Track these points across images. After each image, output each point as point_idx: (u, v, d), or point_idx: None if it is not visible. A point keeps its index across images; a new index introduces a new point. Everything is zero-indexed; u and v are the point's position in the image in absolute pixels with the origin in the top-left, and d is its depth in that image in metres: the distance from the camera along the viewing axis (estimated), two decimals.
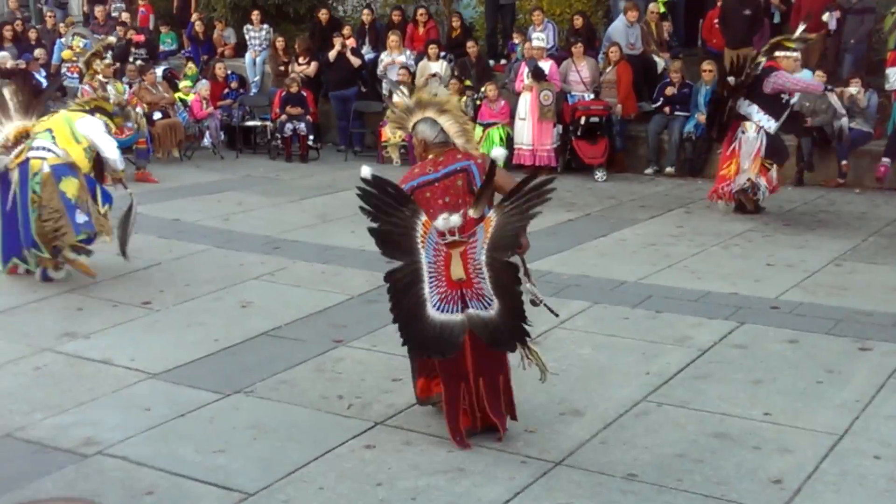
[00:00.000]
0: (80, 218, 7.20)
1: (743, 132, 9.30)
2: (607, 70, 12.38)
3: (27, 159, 7.24)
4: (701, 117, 11.88)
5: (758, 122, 9.24)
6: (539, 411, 5.06)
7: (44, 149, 7.25)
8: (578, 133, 11.97)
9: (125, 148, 9.79)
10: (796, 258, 8.05)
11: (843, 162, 11.06)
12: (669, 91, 12.10)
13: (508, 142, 12.40)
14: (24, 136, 7.56)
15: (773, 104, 9.27)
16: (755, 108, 9.28)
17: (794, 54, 9.39)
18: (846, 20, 12.19)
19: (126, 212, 7.65)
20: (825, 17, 12.14)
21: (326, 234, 9.12)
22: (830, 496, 4.15)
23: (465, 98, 12.75)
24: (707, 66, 12.05)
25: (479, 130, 12.45)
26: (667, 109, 12.09)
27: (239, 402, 5.25)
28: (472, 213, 4.71)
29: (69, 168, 7.26)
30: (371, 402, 5.21)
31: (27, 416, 5.05)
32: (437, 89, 5.02)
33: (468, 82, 12.90)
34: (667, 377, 5.50)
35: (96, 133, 7.48)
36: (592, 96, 12.29)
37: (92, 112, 7.72)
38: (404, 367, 5.65)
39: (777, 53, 9.27)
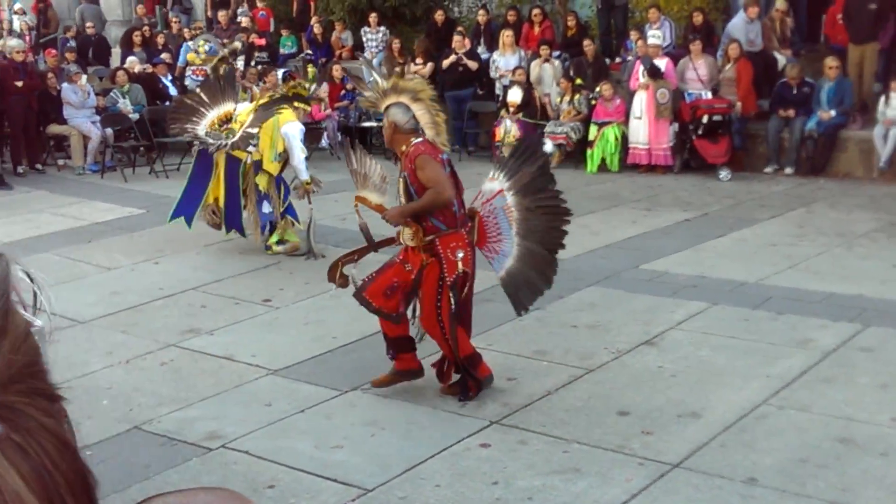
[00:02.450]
0: (266, 208, 8.22)
1: None
2: (726, 67, 12.11)
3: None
4: (823, 115, 11.53)
5: None
6: (656, 413, 5.00)
7: (253, 142, 8.10)
8: (699, 132, 11.74)
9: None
10: None
11: None
12: (784, 113, 11.73)
13: (623, 141, 12.28)
14: (226, 120, 8.41)
15: None
16: None
17: None
18: None
19: (308, 223, 8.34)
20: None
21: None
22: None
23: (578, 96, 12.70)
24: (831, 62, 11.67)
25: (594, 129, 12.38)
26: (791, 112, 11.73)
27: (356, 399, 5.35)
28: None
29: (261, 166, 8.18)
30: (486, 401, 5.24)
31: (154, 410, 5.26)
32: (414, 78, 5.22)
33: (579, 80, 12.81)
34: (788, 380, 5.36)
35: (293, 140, 8.09)
36: (710, 94, 12.05)
37: (291, 98, 8.27)
38: (519, 367, 5.69)
39: None
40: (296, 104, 8.27)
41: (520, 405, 5.16)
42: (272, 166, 8.15)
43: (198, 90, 9.15)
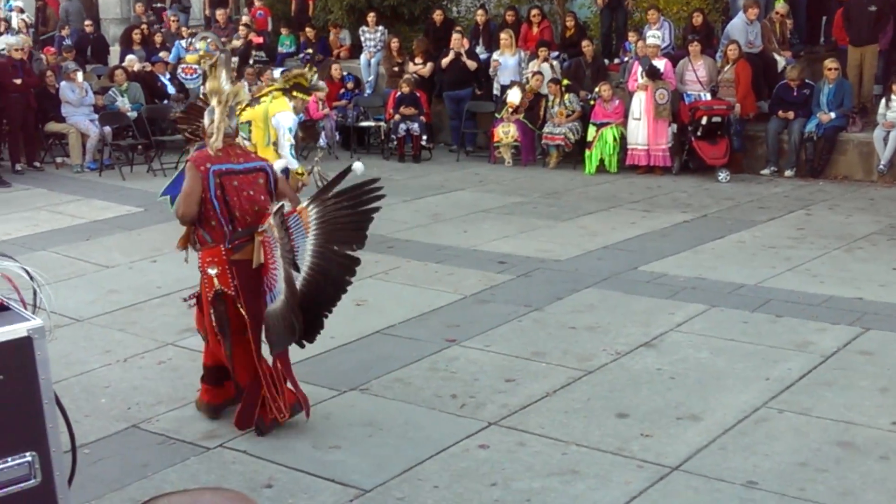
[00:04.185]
0: None
1: None
2: (725, 69, 12.11)
3: None
4: (823, 117, 11.53)
5: None
6: (655, 415, 4.99)
7: (242, 137, 7.82)
8: (699, 133, 11.73)
9: None
10: None
11: None
12: (783, 115, 11.73)
13: (622, 142, 12.27)
14: None
15: None
16: None
17: None
18: None
19: None
20: None
21: (439, 233, 9.19)
22: None
23: (567, 97, 12.68)
24: (830, 64, 11.68)
25: (592, 130, 12.37)
26: (790, 114, 11.73)
27: (354, 400, 5.34)
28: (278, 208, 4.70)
29: None
30: (485, 402, 5.22)
31: (152, 409, 5.24)
32: (225, 81, 4.98)
33: (566, 82, 12.80)
34: (788, 383, 5.35)
35: (282, 128, 7.92)
36: (709, 96, 12.05)
37: (291, 89, 8.08)
38: (518, 368, 5.68)
39: None
40: (295, 94, 8.18)
41: (518, 406, 5.15)
42: (267, 152, 7.97)
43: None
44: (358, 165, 5.25)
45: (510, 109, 12.87)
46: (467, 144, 13.93)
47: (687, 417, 4.96)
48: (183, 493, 1.52)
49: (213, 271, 4.82)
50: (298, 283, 4.73)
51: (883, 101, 11.36)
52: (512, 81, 13.22)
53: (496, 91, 13.71)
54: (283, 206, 4.71)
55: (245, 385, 4.93)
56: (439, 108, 14.37)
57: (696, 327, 6.34)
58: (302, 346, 5.01)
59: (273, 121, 7.88)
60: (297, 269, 4.71)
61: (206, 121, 5.00)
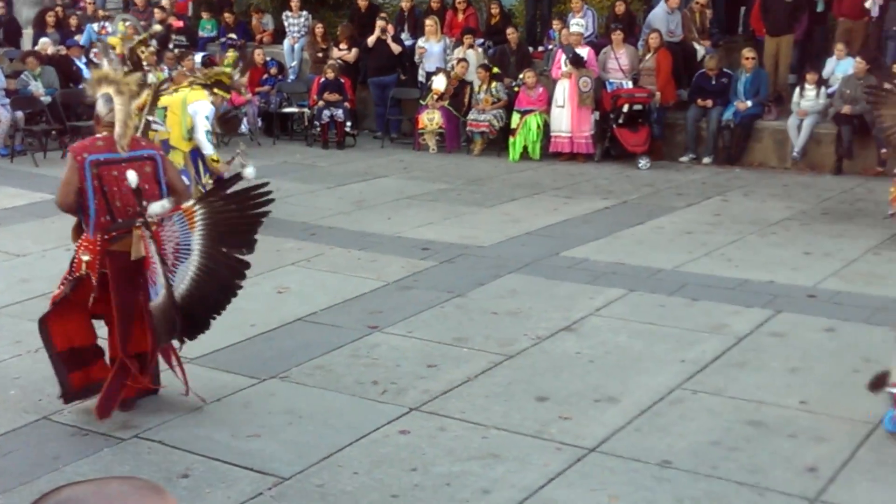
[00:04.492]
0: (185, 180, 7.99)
1: None
2: (647, 57, 12.27)
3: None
4: (740, 105, 11.77)
5: None
6: (574, 398, 5.05)
7: (156, 122, 7.70)
8: (620, 121, 11.88)
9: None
10: (834, 247, 7.96)
11: (883, 150, 10.88)
12: (702, 103, 11.96)
13: (545, 129, 12.36)
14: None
15: None
16: None
17: None
18: (889, 7, 11.98)
19: None
20: (868, 3, 11.95)
21: (363, 220, 9.16)
22: (866, 484, 4.11)
23: (494, 84, 12.73)
24: (748, 53, 11.93)
25: (516, 117, 12.44)
26: (708, 102, 11.95)
27: (274, 388, 5.29)
28: (166, 204, 4.67)
29: (171, 144, 7.87)
30: (406, 388, 5.23)
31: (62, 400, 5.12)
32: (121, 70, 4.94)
33: (496, 70, 12.86)
34: (702, 365, 5.47)
35: (198, 116, 7.92)
36: (630, 84, 12.21)
37: (212, 86, 8.09)
38: (439, 354, 5.70)
39: None
40: (216, 91, 8.16)
41: (440, 392, 5.17)
42: (183, 144, 8.02)
43: None
44: (249, 171, 5.21)
45: (435, 96, 12.87)
46: (392, 131, 13.89)
47: (605, 400, 5.03)
48: (89, 483, 1.48)
49: (85, 257, 4.84)
50: (186, 282, 4.70)
51: (797, 90, 11.65)
52: (437, 68, 13.22)
53: (421, 78, 13.69)
54: (154, 205, 4.65)
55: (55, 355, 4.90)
56: (364, 95, 14.29)
57: (615, 311, 6.43)
58: (182, 343, 5.00)
59: (189, 108, 7.89)
60: (174, 268, 4.69)
61: (100, 109, 4.90)
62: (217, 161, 8.09)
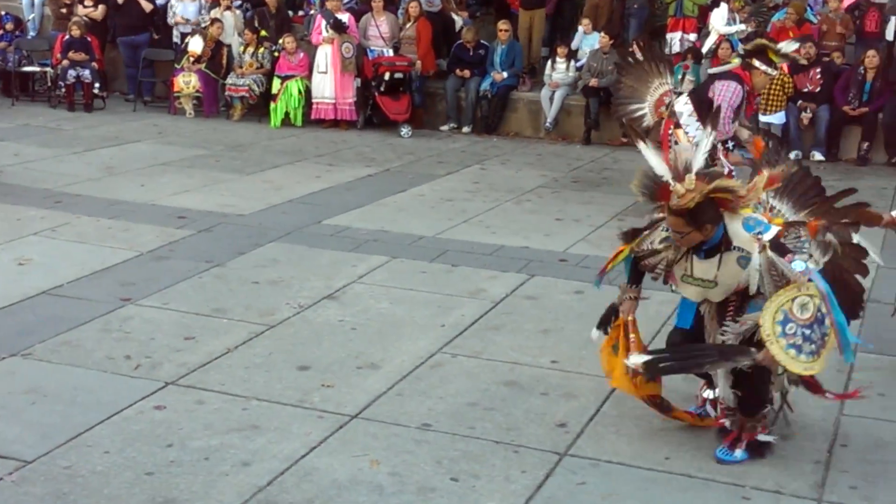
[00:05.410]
0: None
1: (675, 142, 7.27)
2: (407, 26, 12.38)
3: None
4: (496, 76, 12.13)
5: (690, 138, 7.13)
6: (336, 366, 5.04)
7: None
8: (381, 88, 11.92)
9: None
10: (583, 213, 8.39)
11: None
12: (460, 73, 12.20)
13: (307, 95, 12.21)
14: None
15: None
16: (694, 118, 7.41)
17: (773, 72, 7.44)
18: None
19: None
20: None
21: (113, 187, 8.71)
22: (610, 437, 4.37)
23: (262, 49, 12.45)
24: (503, 25, 12.30)
25: (277, 83, 12.20)
26: (466, 73, 12.23)
27: (15, 366, 4.93)
28: None
29: None
30: (161, 362, 5.02)
31: None
32: None
33: (264, 33, 12.58)
34: (461, 329, 5.61)
35: None
36: (392, 52, 12.27)
37: None
38: (198, 326, 5.52)
39: (756, 63, 7.20)
40: None
41: (197, 364, 5.00)
42: None
43: None
44: None
45: (191, 59, 12.40)
46: (145, 94, 13.28)
47: (367, 366, 5.06)
48: None
49: None
50: None
51: (549, 62, 12.15)
52: (193, 29, 12.72)
53: (176, 39, 13.14)
54: None
55: None
56: (114, 55, 13.55)
57: (377, 278, 6.47)
58: None
59: None
60: None
61: None
62: None
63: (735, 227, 3.89)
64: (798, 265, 3.78)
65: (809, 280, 3.76)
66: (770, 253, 3.82)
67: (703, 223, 3.86)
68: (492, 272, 6.66)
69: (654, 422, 4.43)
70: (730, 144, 7.52)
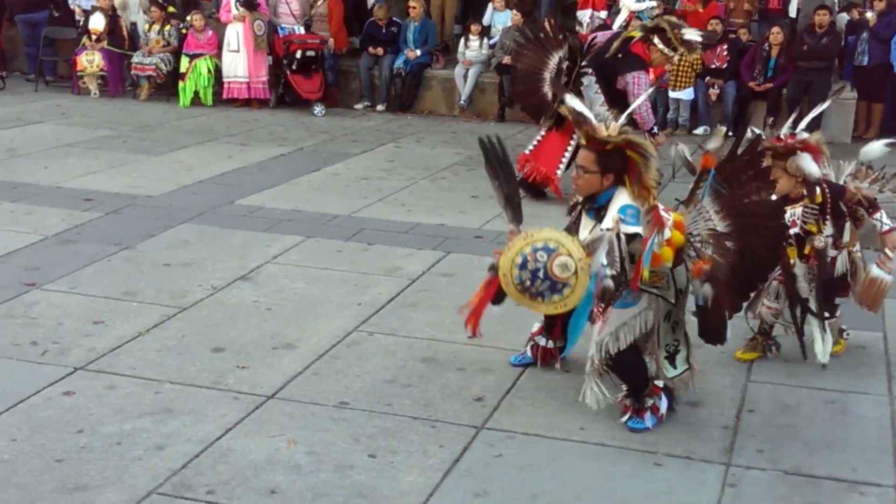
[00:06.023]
0: None
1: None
2: (318, 3, 12.23)
3: None
4: (410, 54, 12.08)
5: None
6: (251, 347, 4.98)
7: None
8: (293, 67, 11.77)
9: None
10: None
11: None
12: (373, 51, 12.12)
13: (217, 74, 11.99)
14: None
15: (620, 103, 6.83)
16: (600, 96, 7.54)
17: (671, 53, 7.59)
18: None
19: None
20: None
21: (15, 170, 8.44)
22: (526, 409, 4.42)
23: (168, 27, 12.17)
24: (414, 2, 12.25)
25: (185, 61, 11.95)
26: (379, 51, 12.15)
27: None
28: None
29: None
30: (70, 347, 4.90)
31: None
32: None
33: (171, 9, 12.29)
34: (378, 307, 5.60)
35: None
36: (303, 30, 12.12)
37: None
38: (107, 309, 5.40)
39: (656, 40, 7.39)
40: None
41: (108, 349, 4.89)
42: None
43: None
44: None
45: (94, 37, 12.05)
46: (47, 73, 12.89)
47: (282, 347, 5.01)
48: None
49: None
50: None
51: (462, 40, 12.15)
52: (93, 6, 12.36)
53: (78, 16, 12.76)
54: None
55: None
56: (12, 34, 13.11)
57: (292, 258, 6.41)
58: None
59: None
60: None
61: None
62: None
63: (619, 200, 3.98)
64: (608, 270, 3.84)
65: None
66: (614, 238, 3.89)
67: (608, 171, 4.02)
68: (408, 250, 6.66)
69: (569, 393, 4.50)
70: (655, 129, 7.85)
